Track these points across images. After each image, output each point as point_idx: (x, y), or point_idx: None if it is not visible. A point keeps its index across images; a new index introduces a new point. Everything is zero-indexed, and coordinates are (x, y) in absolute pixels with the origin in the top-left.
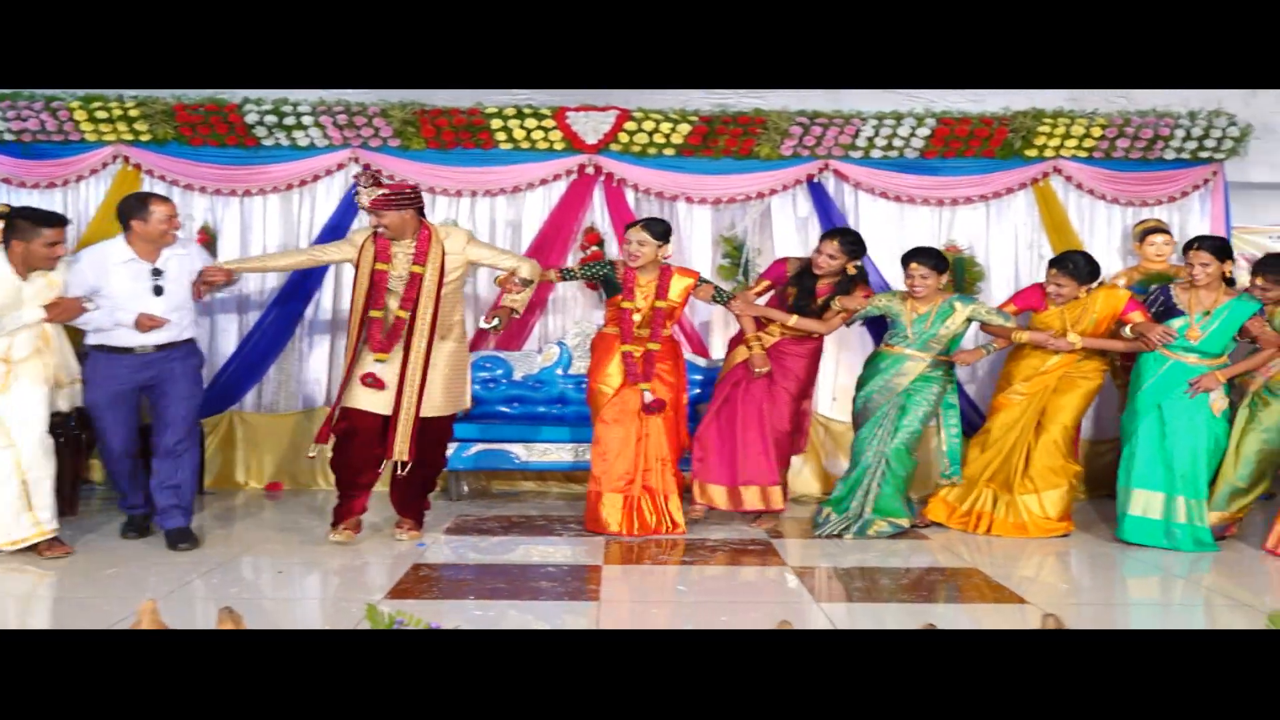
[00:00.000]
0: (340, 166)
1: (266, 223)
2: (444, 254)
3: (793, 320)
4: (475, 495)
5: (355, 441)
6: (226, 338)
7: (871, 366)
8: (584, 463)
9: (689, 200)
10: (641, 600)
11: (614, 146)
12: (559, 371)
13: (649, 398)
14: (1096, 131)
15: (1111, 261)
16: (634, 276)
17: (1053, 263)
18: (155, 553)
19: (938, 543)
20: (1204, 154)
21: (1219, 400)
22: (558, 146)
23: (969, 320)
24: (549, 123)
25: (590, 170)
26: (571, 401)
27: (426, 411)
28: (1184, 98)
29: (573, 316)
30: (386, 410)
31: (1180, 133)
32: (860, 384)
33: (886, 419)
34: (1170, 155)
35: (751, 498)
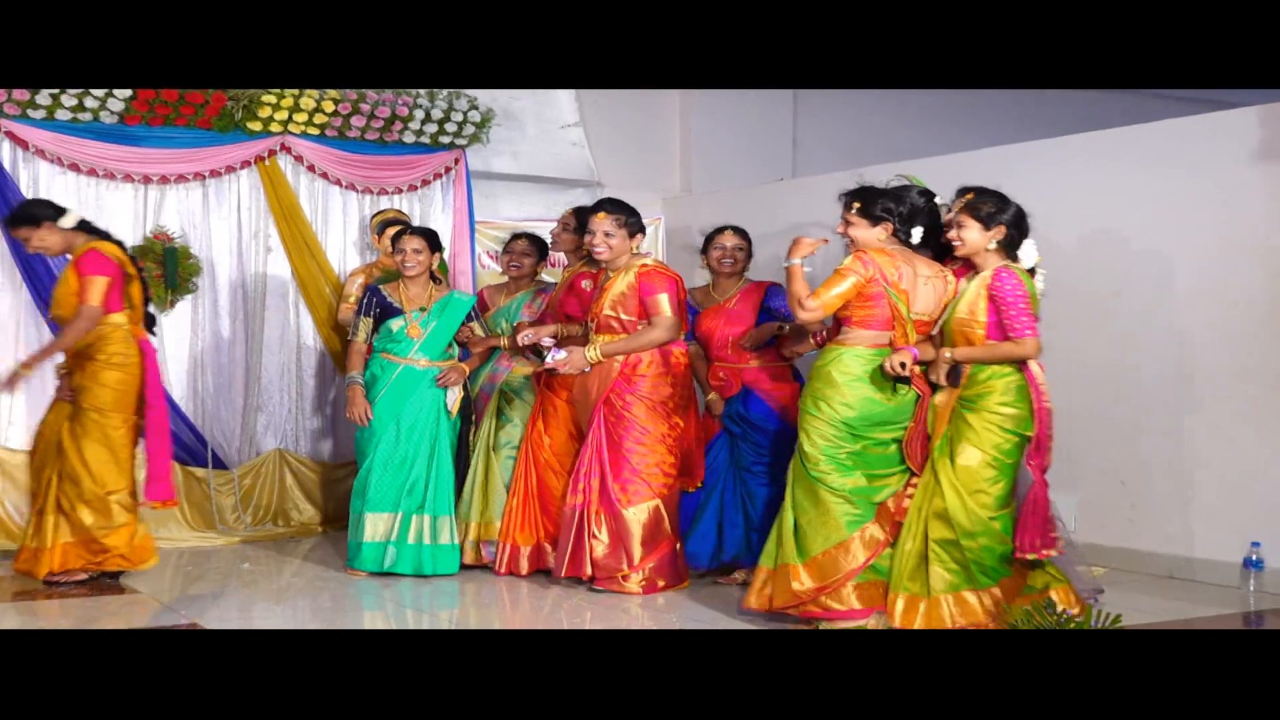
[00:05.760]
0: None
1: None
2: None
3: None
4: None
5: None
6: None
7: None
8: None
9: None
10: None
11: None
12: None
13: None
14: (329, 106)
15: (350, 256)
16: None
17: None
18: None
19: None
20: (445, 139)
21: (455, 398)
22: None
23: None
24: None
25: None
26: None
27: None
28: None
29: None
30: None
31: (420, 114)
32: None
33: None
34: (410, 138)
35: None
